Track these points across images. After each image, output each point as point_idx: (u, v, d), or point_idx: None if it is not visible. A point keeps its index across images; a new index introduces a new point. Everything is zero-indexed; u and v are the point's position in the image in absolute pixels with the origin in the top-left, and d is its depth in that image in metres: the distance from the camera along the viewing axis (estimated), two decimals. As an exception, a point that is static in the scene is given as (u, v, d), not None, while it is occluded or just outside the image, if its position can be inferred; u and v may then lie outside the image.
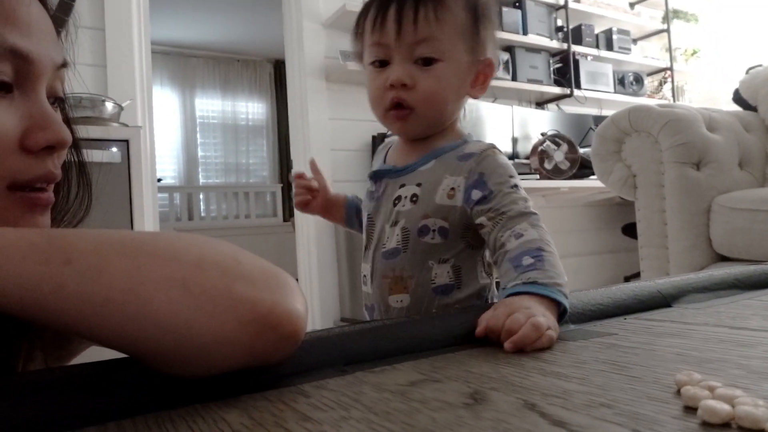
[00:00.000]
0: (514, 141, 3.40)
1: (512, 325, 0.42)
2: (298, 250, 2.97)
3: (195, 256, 0.32)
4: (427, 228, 0.67)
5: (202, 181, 5.59)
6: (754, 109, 1.77)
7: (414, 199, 0.68)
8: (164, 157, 5.32)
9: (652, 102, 4.02)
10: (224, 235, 4.04)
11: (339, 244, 2.85)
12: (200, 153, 5.58)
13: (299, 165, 2.93)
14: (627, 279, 3.76)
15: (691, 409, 0.26)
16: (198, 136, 5.57)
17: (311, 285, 2.86)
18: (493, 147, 0.72)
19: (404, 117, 0.66)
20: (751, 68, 1.86)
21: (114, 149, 1.83)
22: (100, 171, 1.87)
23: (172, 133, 5.42)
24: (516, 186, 0.71)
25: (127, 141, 1.84)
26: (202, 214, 5.44)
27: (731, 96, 1.90)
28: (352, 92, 2.98)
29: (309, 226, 2.88)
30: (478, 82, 0.72)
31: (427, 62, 0.64)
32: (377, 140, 2.96)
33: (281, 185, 5.81)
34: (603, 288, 0.58)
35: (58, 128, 0.38)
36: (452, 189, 0.67)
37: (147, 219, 2.40)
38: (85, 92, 2.02)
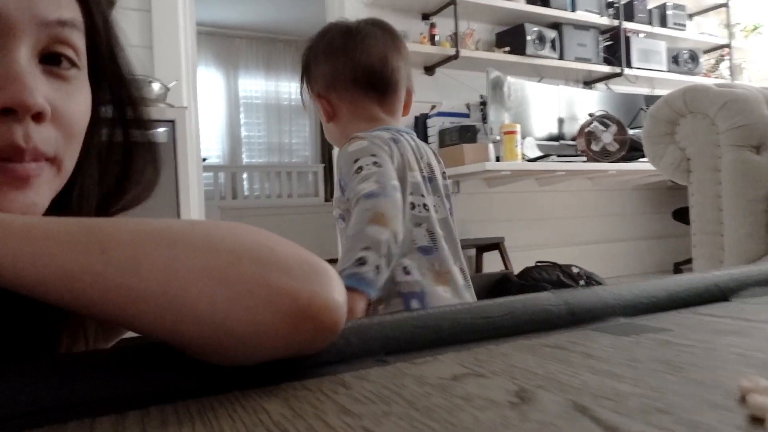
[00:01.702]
0: (560, 121, 3.31)
1: None
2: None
3: (231, 245, 0.32)
4: (338, 216, 0.81)
5: (245, 160, 5.68)
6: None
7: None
8: (209, 137, 5.41)
9: (708, 81, 3.84)
10: (266, 214, 4.10)
11: (379, 225, 2.85)
12: (244, 133, 5.66)
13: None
14: (677, 265, 3.64)
15: (757, 420, 0.24)
16: (242, 116, 5.64)
17: (351, 265, 2.88)
18: (349, 140, 0.77)
19: None
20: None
21: (161, 129, 1.86)
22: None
23: (217, 113, 5.51)
24: (360, 168, 0.72)
25: (173, 121, 1.88)
26: (246, 193, 5.53)
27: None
28: (395, 72, 2.96)
29: (350, 206, 2.88)
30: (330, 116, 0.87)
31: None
32: (420, 120, 2.93)
33: (323, 165, 5.84)
34: (655, 279, 0.55)
35: (18, 89, 0.33)
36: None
37: (192, 198, 2.45)
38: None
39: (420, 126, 2.92)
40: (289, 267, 0.32)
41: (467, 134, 2.73)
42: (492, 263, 3.08)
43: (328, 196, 5.72)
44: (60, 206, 0.41)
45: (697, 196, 1.51)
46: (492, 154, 2.71)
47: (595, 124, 2.99)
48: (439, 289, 0.72)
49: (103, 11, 0.42)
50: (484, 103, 2.97)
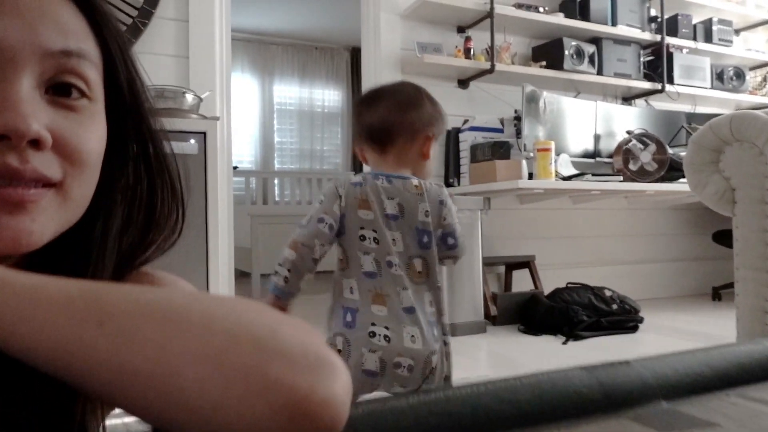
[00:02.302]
0: (596, 138, 3.22)
1: None
2: (367, 243, 2.96)
3: (230, 326, 0.30)
4: None
5: (277, 166, 5.71)
6: None
7: None
8: (242, 143, 5.47)
9: (754, 99, 3.69)
10: (295, 222, 4.11)
11: (407, 240, 2.81)
12: (277, 139, 5.70)
13: (371, 158, 2.91)
14: (716, 290, 3.50)
15: None
16: (275, 122, 5.68)
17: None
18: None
19: None
20: None
21: (192, 141, 1.87)
22: (177, 162, 1.90)
23: (251, 119, 5.56)
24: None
25: (204, 133, 1.88)
26: (276, 199, 5.56)
27: None
28: (429, 86, 2.90)
29: (378, 220, 2.85)
30: None
31: None
32: (452, 134, 2.89)
33: (353, 173, 5.84)
34: (700, 350, 0.50)
35: (11, 116, 0.33)
36: None
37: (221, 207, 2.46)
38: (167, 84, 2.08)
39: (452, 140, 2.88)
40: (290, 355, 0.30)
41: (500, 150, 2.68)
42: (521, 282, 3.01)
43: (358, 204, 5.72)
44: (80, 245, 0.40)
45: (742, 229, 1.43)
46: (525, 171, 2.65)
47: (634, 142, 2.90)
48: (374, 308, 0.88)
49: (120, 44, 0.41)
50: (518, 118, 2.91)
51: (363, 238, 0.92)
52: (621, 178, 2.87)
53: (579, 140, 3.12)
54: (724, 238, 3.46)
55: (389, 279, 0.90)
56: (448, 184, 2.91)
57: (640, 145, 2.92)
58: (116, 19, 0.41)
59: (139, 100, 0.43)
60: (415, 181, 0.95)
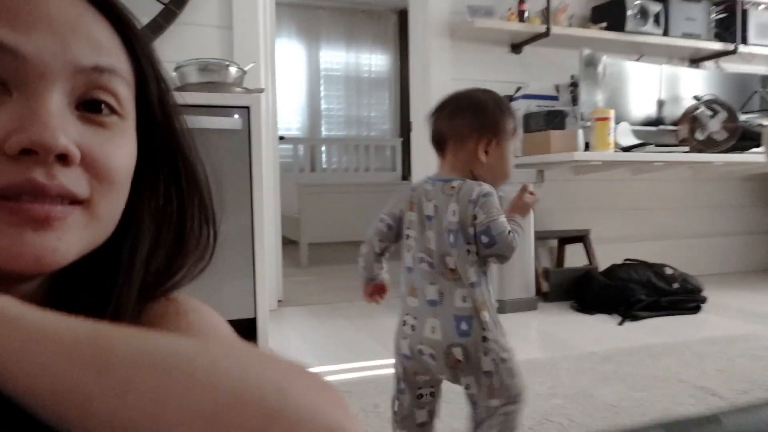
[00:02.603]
0: (660, 104, 3.02)
1: None
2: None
3: (234, 383, 0.28)
4: None
5: (324, 133, 5.68)
6: None
7: None
8: (289, 110, 5.44)
9: (840, 59, 3.37)
10: (342, 191, 4.08)
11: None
12: (323, 105, 5.64)
13: (419, 128, 2.83)
14: (785, 266, 3.29)
15: None
16: (322, 88, 5.62)
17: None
18: None
19: None
20: None
21: (236, 116, 1.84)
22: (220, 138, 1.87)
23: (297, 86, 5.51)
24: None
25: (248, 107, 1.84)
26: (324, 166, 5.55)
27: None
28: (479, 51, 2.78)
29: (426, 192, 2.78)
30: None
31: None
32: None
33: (401, 139, 5.74)
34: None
35: (38, 129, 0.32)
36: None
37: (267, 179, 2.44)
38: (210, 57, 2.04)
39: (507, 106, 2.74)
40: (297, 419, 0.27)
41: (555, 120, 2.54)
42: (575, 257, 2.90)
43: (406, 172, 5.63)
44: (106, 266, 0.39)
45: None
46: (581, 142, 2.51)
47: (702, 109, 2.70)
48: (408, 300, 0.99)
49: (152, 60, 0.40)
50: (574, 85, 2.75)
51: (407, 236, 1.03)
52: (686, 148, 2.68)
53: (641, 107, 2.93)
54: (797, 211, 3.22)
55: (420, 274, 0.98)
56: (499, 155, 2.79)
57: (708, 113, 2.72)
58: (149, 36, 0.43)
59: (171, 118, 0.42)
60: (454, 183, 0.99)
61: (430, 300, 0.95)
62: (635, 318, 2.29)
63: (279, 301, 2.63)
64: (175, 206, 0.42)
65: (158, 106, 0.41)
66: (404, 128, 5.82)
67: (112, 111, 0.36)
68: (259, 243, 1.87)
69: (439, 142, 1.04)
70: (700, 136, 2.67)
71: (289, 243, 3.92)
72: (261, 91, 2.13)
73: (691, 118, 2.70)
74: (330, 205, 4.00)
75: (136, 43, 0.39)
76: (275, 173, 2.58)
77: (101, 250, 0.38)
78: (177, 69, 1.97)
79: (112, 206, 0.37)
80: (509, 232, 0.93)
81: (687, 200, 3.34)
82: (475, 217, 0.94)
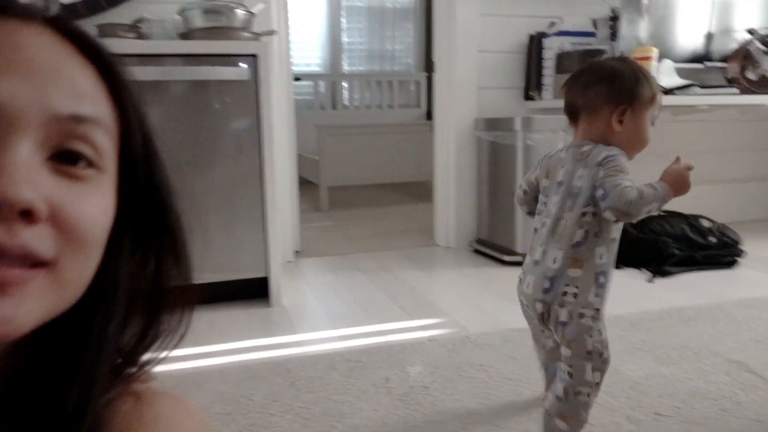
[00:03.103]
0: (709, 38, 2.75)
1: None
2: (436, 159, 2.77)
3: None
4: None
5: (346, 69, 5.46)
6: None
7: None
8: (309, 44, 5.22)
9: None
10: (364, 133, 3.93)
11: (481, 163, 2.59)
12: (345, 39, 5.39)
13: (442, 67, 2.64)
14: (833, 214, 3.08)
15: None
16: (343, 20, 5.35)
17: (448, 199, 2.69)
18: None
19: None
20: None
21: (242, 65, 1.71)
22: (226, 90, 1.75)
23: (317, 19, 5.26)
24: None
25: (254, 56, 1.71)
26: (346, 103, 5.38)
27: None
28: (509, -17, 2.54)
29: (449, 134, 2.64)
30: None
31: None
32: (535, 39, 2.55)
33: (426, 74, 5.50)
34: None
35: (1, 181, 0.29)
36: None
37: (280, 124, 2.33)
38: (214, -2, 1.88)
39: (534, 47, 2.53)
40: None
41: (591, 59, 2.33)
42: (606, 205, 2.75)
43: (431, 109, 5.43)
44: (75, 335, 0.35)
45: None
46: (619, 84, 2.31)
47: (756, 45, 2.44)
48: (527, 257, 1.07)
49: (139, 111, 0.38)
50: (614, 18, 2.50)
51: (541, 202, 1.09)
52: (736, 90, 2.45)
53: (687, 41, 2.67)
54: None
55: (537, 236, 1.06)
56: (527, 98, 2.61)
57: (763, 48, 2.46)
58: (136, 86, 0.38)
59: (155, 173, 0.39)
60: (585, 148, 1.02)
61: (535, 260, 1.03)
62: (666, 274, 2.18)
63: (296, 251, 2.57)
64: (152, 269, 0.39)
65: (142, 159, 0.38)
66: (429, 62, 5.56)
67: (90, 164, 0.34)
68: (270, 190, 1.78)
69: (572, 113, 1.07)
70: (752, 75, 2.43)
71: (308, 184, 3.85)
72: (271, 33, 1.98)
73: (743, 55, 2.46)
74: (351, 147, 3.87)
75: (123, 92, 0.36)
76: (289, 114, 2.46)
77: (69, 316, 0.34)
78: (181, 12, 1.83)
79: (82, 269, 0.34)
80: (625, 186, 0.93)
81: (729, 142, 3.12)
82: (599, 176, 0.98)
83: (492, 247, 2.48)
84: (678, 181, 0.98)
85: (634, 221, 1.06)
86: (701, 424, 1.12)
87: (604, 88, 1.02)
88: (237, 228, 1.79)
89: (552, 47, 2.46)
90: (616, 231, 1.01)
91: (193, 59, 1.66)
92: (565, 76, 2.38)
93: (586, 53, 2.35)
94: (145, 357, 0.39)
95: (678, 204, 2.78)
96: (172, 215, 0.39)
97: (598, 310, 0.99)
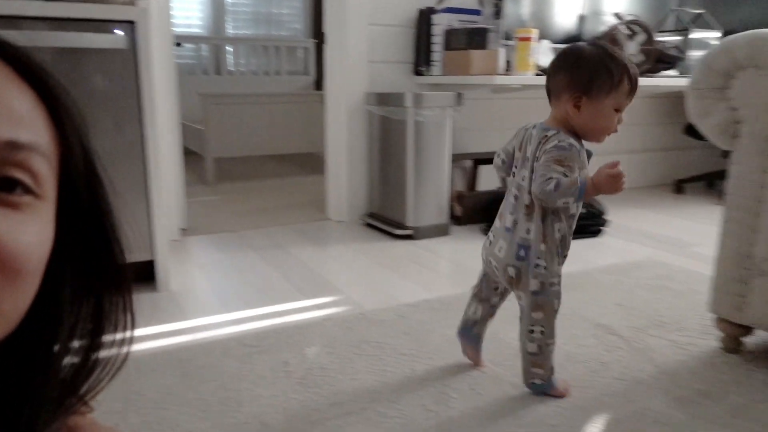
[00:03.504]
0: (582, 19, 2.95)
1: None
2: (327, 133, 2.75)
3: None
4: None
5: (230, 32, 5.20)
6: None
7: None
8: (190, 4, 4.89)
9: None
10: (252, 102, 3.79)
11: (372, 137, 2.61)
12: (229, 0, 5.12)
13: (333, 39, 2.60)
14: (679, 183, 3.48)
15: None
16: (226, -21, 5.07)
17: (340, 173, 2.69)
18: None
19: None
20: None
21: (118, 32, 1.56)
22: (98, 58, 1.60)
23: (198, -24, 4.93)
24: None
25: (132, 23, 1.57)
26: (231, 68, 5.14)
27: None
28: (399, -43, 2.53)
29: (340, 108, 2.62)
30: None
31: None
32: (424, 14, 2.58)
33: (315, 41, 5.38)
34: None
35: None
36: None
37: (162, 92, 2.19)
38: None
39: (423, 22, 2.56)
40: None
41: (476, 38, 2.41)
42: (488, 177, 2.89)
43: (320, 75, 5.34)
44: (22, 363, 0.35)
45: (739, 167, 1.30)
46: (502, 63, 2.41)
47: (622, 30, 2.65)
48: (496, 221, 1.18)
49: (81, 136, 0.37)
50: (499, -2, 2.60)
51: (512, 172, 1.16)
52: (603, 71, 2.66)
53: (563, 23, 2.85)
54: (695, 131, 3.37)
55: (507, 203, 1.15)
56: (417, 73, 2.65)
57: (627, 32, 2.68)
58: (79, 112, 0.37)
59: (98, 199, 0.39)
60: (549, 133, 1.08)
61: (507, 227, 1.13)
62: (544, 244, 2.35)
63: (182, 229, 2.46)
64: (92, 300, 0.39)
65: (84, 184, 0.37)
66: (318, 29, 5.43)
67: (27, 191, 0.33)
68: (152, 164, 1.67)
69: (547, 95, 1.13)
70: (617, 58, 2.64)
71: (192, 156, 3.66)
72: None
73: (610, 39, 2.66)
74: (238, 116, 3.72)
75: (64, 116, 0.35)
76: (171, 81, 2.30)
77: (13, 342, 0.34)
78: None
79: (16, 300, 0.33)
80: (549, 178, 1.03)
81: (598, 119, 3.39)
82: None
83: (383, 221, 2.53)
84: (605, 183, 1.03)
85: (547, 206, 1.09)
86: (573, 386, 1.24)
87: (566, 75, 1.07)
88: (118, 207, 1.66)
89: (441, 23, 2.51)
90: (574, 207, 1.11)
91: (59, 24, 1.49)
92: (453, 53, 2.46)
93: (472, 31, 2.42)
94: (84, 388, 0.39)
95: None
96: (113, 241, 0.39)
97: (560, 276, 1.14)
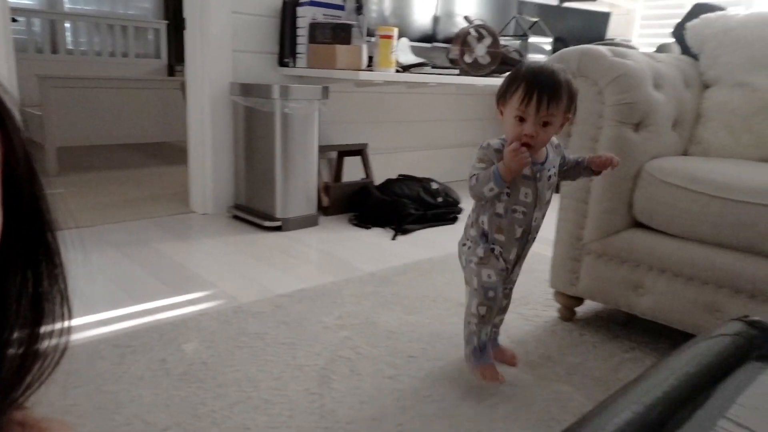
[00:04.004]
0: (436, 20, 3.14)
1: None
2: (189, 122, 2.65)
3: None
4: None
5: (68, 6, 4.73)
6: (694, 56, 1.71)
7: (555, 174, 1.22)
8: (17, -28, 4.37)
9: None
10: (99, 86, 3.51)
11: (237, 128, 2.57)
12: (65, -29, 4.65)
13: (194, 24, 2.51)
14: (521, 174, 3.87)
15: None
16: (62, -52, 4.59)
17: (203, 164, 2.62)
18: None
19: (530, 148, 1.12)
20: (699, 6, 1.76)
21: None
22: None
23: (27, -59, 4.41)
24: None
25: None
26: (69, 47, 4.68)
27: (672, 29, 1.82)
28: (263, -53, 2.51)
29: (203, 98, 2.55)
30: (560, 127, 1.16)
31: (545, 125, 1.12)
32: (288, 6, 2.58)
33: (166, 22, 5.09)
34: (596, 420, 0.50)
35: None
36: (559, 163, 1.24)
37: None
38: None
39: (288, 13, 2.58)
40: None
41: (341, 33, 2.48)
42: (353, 168, 3.00)
43: (173, 60, 5.06)
44: None
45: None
46: (365, 58, 2.51)
47: (471, 33, 2.88)
48: None
49: (24, 145, 0.38)
50: (360, -6, 2.69)
51: None
52: (457, 70, 2.88)
53: (420, 22, 3.02)
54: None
55: None
56: (282, 64, 2.66)
57: (476, 35, 2.92)
58: (17, 116, 0.37)
59: (38, 200, 0.39)
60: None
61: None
62: (406, 231, 2.50)
63: (26, 226, 2.23)
64: (30, 296, 0.39)
65: (26, 182, 0.38)
66: (169, 9, 5.15)
67: None
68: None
69: None
70: (468, 59, 2.87)
71: (31, 144, 3.30)
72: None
73: (462, 41, 2.88)
74: (83, 101, 3.42)
75: (8, 120, 0.36)
76: (9, 62, 2.08)
77: None
78: None
79: None
80: (471, 175, 1.17)
81: (452, 113, 3.65)
82: None
83: (251, 213, 2.51)
84: (510, 160, 1.10)
85: (480, 201, 1.22)
86: (441, 359, 1.38)
87: (498, 89, 1.17)
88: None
89: (306, 16, 2.54)
90: (500, 208, 1.20)
91: None
92: (318, 46, 2.50)
93: (337, 26, 2.48)
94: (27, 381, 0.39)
95: (414, 168, 3.18)
96: (54, 242, 0.40)
97: (481, 258, 1.22)
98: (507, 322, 1.61)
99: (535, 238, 1.26)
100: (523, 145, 1.10)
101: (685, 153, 1.64)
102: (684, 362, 0.65)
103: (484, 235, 1.23)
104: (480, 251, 1.24)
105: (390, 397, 1.21)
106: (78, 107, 3.39)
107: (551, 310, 1.69)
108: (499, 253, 1.22)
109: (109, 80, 3.62)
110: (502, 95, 1.15)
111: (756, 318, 0.77)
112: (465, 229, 1.30)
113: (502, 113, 1.16)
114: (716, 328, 0.75)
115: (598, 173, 1.25)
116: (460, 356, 1.40)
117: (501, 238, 1.22)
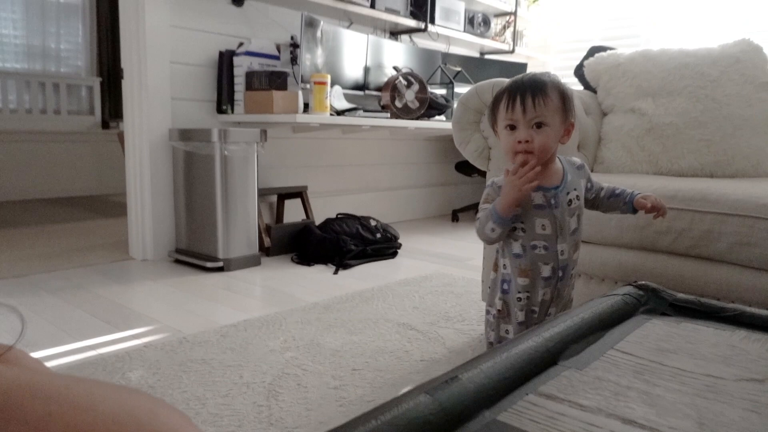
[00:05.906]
0: (366, 70, 3.34)
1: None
2: (128, 170, 2.68)
3: (112, 407, 0.32)
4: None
5: (-3, 64, 4.68)
6: (593, 90, 1.93)
7: (578, 197, 1.10)
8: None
9: (495, 45, 4.20)
10: (27, 140, 3.47)
11: (177, 173, 2.62)
12: (-6, 30, 4.62)
13: (132, 75, 2.58)
14: (455, 212, 4.06)
15: None
16: (-9, 8, 4.58)
17: (143, 210, 2.63)
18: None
19: (531, 155, 1.03)
20: (594, 48, 2.01)
21: None
22: None
23: (-46, 1, 4.38)
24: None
25: None
26: (-2, 105, 4.60)
27: (573, 70, 2.05)
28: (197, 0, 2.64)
29: (142, 144, 2.59)
30: (566, 135, 1.08)
31: (539, 126, 1.03)
32: (225, 56, 2.70)
33: (99, 79, 5.10)
34: (501, 349, 0.60)
35: None
36: (584, 187, 1.15)
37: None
38: None
39: (225, 63, 2.69)
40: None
41: (277, 80, 2.61)
42: (293, 211, 3.08)
43: (107, 116, 5.05)
44: None
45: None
46: (301, 103, 2.64)
47: (400, 80, 3.09)
48: None
49: None
50: (295, 45, 2.85)
51: None
52: (388, 114, 3.05)
53: (351, 71, 3.20)
54: (464, 167, 3.99)
55: None
56: (220, 111, 2.75)
57: (405, 83, 3.13)
58: None
59: None
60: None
61: None
62: (347, 267, 2.59)
63: (-45, 277, 2.17)
64: None
65: None
66: (102, 66, 5.18)
67: None
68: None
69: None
70: (398, 104, 3.06)
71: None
72: None
73: (392, 88, 3.07)
74: (10, 156, 3.37)
75: None
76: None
77: None
78: None
79: None
80: (477, 218, 1.11)
81: (386, 158, 3.82)
82: None
83: (193, 255, 2.53)
84: (507, 191, 1.03)
85: (490, 244, 1.13)
86: (384, 370, 1.44)
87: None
88: None
89: (242, 65, 2.66)
90: (517, 247, 1.09)
91: None
92: (255, 93, 2.62)
93: (272, 74, 2.62)
94: None
95: (353, 207, 3.29)
96: None
97: (500, 311, 1.12)
98: (445, 336, 1.71)
99: (571, 275, 1.11)
100: (522, 163, 1.02)
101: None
102: (580, 311, 0.76)
103: (504, 282, 1.12)
104: (497, 301, 1.14)
105: (335, 404, 1.26)
106: (10, 162, 3.33)
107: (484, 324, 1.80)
108: (525, 303, 1.09)
109: (42, 134, 3.59)
110: (492, 113, 1.09)
111: (643, 282, 0.90)
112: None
113: (497, 134, 1.10)
114: (611, 291, 0.88)
115: (635, 212, 1.15)
116: (403, 367, 1.47)
117: (525, 282, 1.08)
